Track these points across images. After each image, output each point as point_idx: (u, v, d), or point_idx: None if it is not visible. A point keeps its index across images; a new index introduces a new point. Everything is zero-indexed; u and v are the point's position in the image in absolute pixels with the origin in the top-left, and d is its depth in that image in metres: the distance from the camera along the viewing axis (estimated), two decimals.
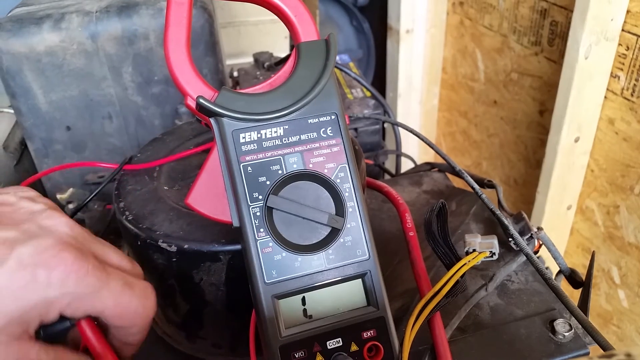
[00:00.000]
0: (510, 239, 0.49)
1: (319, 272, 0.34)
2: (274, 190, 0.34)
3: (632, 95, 0.78)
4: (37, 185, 0.75)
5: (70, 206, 0.61)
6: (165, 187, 0.45)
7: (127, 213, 0.42)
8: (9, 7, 0.66)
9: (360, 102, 0.77)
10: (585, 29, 0.76)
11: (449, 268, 0.42)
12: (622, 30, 0.77)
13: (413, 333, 0.37)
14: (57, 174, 0.69)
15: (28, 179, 0.54)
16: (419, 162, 0.74)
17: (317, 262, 0.34)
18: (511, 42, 1.04)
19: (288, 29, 0.37)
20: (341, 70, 0.76)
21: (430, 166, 0.68)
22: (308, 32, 0.37)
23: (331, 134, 0.35)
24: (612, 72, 0.81)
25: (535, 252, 0.51)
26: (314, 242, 0.34)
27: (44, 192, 0.73)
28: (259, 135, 0.34)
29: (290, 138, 0.34)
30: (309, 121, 0.35)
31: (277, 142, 0.34)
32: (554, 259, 0.50)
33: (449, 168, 0.60)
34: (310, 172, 0.34)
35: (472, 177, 0.53)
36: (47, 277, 0.28)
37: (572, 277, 0.50)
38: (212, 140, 0.43)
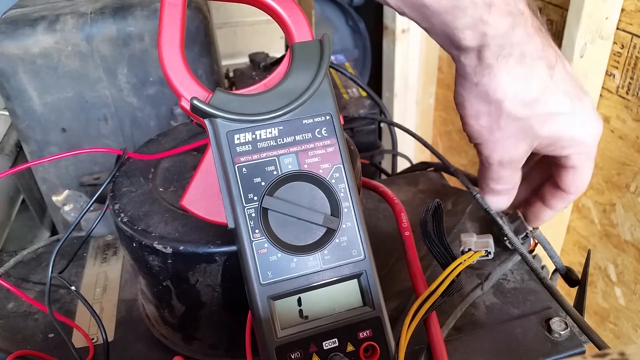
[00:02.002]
0: (505, 239, 0.49)
1: (315, 273, 0.34)
2: (269, 191, 0.34)
3: (627, 93, 0.78)
4: (33, 186, 0.75)
5: (66, 208, 0.61)
6: (161, 189, 0.45)
7: (122, 215, 0.42)
8: (3, 8, 0.65)
9: (356, 102, 0.77)
10: (580, 28, 0.76)
11: (444, 267, 0.42)
12: (617, 28, 0.77)
13: (409, 333, 0.37)
14: (53, 176, 0.69)
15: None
16: (415, 161, 0.74)
17: (312, 262, 0.34)
18: None
19: (282, 29, 0.37)
20: (337, 70, 0.76)
21: (426, 165, 0.68)
22: (302, 33, 0.37)
23: (326, 135, 0.35)
24: (607, 71, 0.81)
25: (531, 251, 0.51)
26: (309, 242, 0.34)
27: (39, 194, 0.73)
28: (253, 136, 0.34)
29: (285, 139, 0.34)
30: (304, 122, 0.35)
31: (271, 143, 0.34)
32: (550, 257, 0.50)
33: (444, 167, 0.60)
34: (305, 172, 0.34)
35: (467, 176, 0.53)
36: None
37: (568, 276, 0.50)
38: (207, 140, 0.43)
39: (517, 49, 0.38)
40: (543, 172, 0.49)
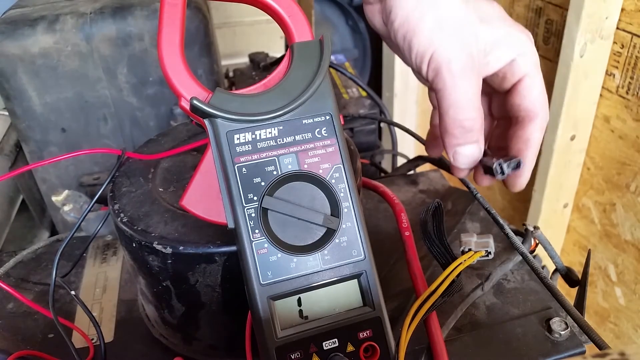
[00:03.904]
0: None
1: (315, 273, 0.34)
2: (269, 191, 0.34)
3: (627, 93, 0.78)
4: (32, 186, 0.75)
5: (66, 208, 0.61)
6: (160, 189, 0.45)
7: (122, 215, 0.42)
8: (2, 8, 0.65)
9: (356, 101, 0.77)
10: (580, 28, 0.76)
11: (444, 268, 0.42)
12: (617, 28, 0.77)
13: (409, 333, 0.37)
14: (53, 176, 0.69)
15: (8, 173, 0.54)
16: None
17: (312, 262, 0.34)
18: None
19: (282, 29, 0.37)
20: (337, 70, 0.76)
21: (423, 160, 0.67)
22: (302, 33, 0.36)
23: (326, 135, 0.35)
24: (607, 70, 0.81)
25: (532, 251, 0.51)
26: (309, 242, 0.34)
27: (39, 194, 0.73)
28: (253, 136, 0.34)
29: (284, 139, 0.34)
30: (304, 122, 0.35)
31: (271, 143, 0.34)
32: (550, 258, 0.50)
33: (442, 162, 0.59)
34: (305, 172, 0.34)
35: None
36: None
37: (568, 276, 0.50)
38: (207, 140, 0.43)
39: None
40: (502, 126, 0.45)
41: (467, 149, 0.40)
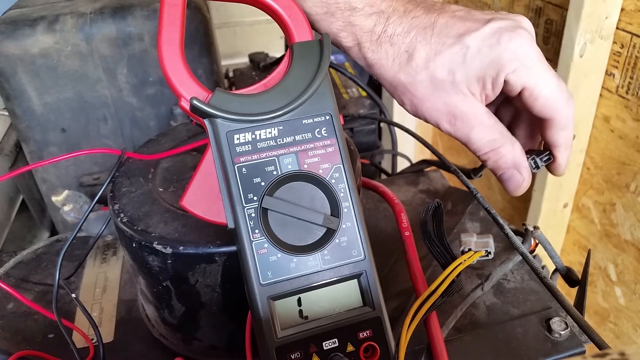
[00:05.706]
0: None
1: (315, 273, 0.34)
2: (269, 191, 0.34)
3: (627, 93, 0.78)
4: (32, 186, 0.75)
5: (66, 208, 0.61)
6: (160, 189, 0.45)
7: (122, 215, 0.42)
8: (2, 8, 0.65)
9: (356, 101, 0.77)
10: (580, 27, 0.76)
11: (444, 267, 0.42)
12: (617, 28, 0.77)
13: (409, 333, 0.37)
14: (53, 176, 0.69)
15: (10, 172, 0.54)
16: (415, 161, 0.74)
17: (312, 262, 0.34)
18: None
19: (282, 29, 0.37)
20: (337, 70, 0.76)
21: (427, 164, 0.68)
22: (302, 33, 0.37)
23: (326, 135, 0.35)
24: (607, 70, 0.81)
25: (532, 251, 0.51)
26: (309, 242, 0.34)
27: (39, 194, 0.73)
28: (253, 136, 0.34)
29: (284, 139, 0.34)
30: (304, 122, 0.35)
31: (271, 143, 0.34)
32: (550, 257, 0.50)
33: (445, 166, 0.59)
34: (305, 172, 0.34)
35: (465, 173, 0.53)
36: None
37: (568, 276, 0.50)
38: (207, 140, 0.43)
39: (384, 36, 0.42)
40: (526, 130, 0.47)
41: (510, 177, 0.43)
